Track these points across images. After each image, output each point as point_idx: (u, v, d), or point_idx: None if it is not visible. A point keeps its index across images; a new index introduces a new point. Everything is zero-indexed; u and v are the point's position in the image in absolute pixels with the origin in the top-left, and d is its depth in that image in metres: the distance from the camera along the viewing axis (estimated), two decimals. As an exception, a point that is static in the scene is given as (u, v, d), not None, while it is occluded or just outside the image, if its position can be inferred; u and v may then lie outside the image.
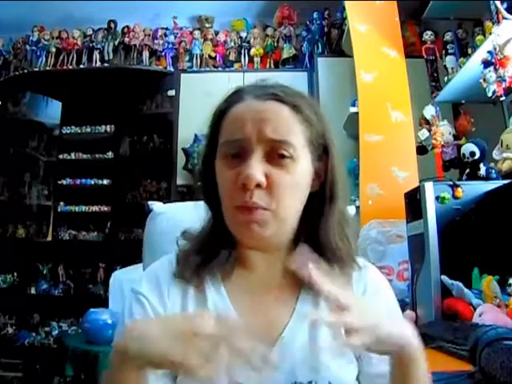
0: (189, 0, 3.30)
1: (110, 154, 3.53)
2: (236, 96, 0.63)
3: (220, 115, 0.63)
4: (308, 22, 3.42)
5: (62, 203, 3.50)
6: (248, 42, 3.49)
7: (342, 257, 0.64)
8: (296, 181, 0.59)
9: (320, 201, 0.63)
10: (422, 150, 1.98)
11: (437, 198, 1.28)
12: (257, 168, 0.56)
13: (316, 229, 0.63)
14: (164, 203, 1.02)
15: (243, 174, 0.56)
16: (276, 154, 0.58)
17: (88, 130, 3.58)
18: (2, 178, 3.64)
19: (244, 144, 0.58)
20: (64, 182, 3.51)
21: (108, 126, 3.57)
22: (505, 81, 1.55)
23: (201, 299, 0.61)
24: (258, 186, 0.56)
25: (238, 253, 0.64)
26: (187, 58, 3.52)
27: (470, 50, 1.97)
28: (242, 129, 0.58)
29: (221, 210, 0.62)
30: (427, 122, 1.98)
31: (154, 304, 0.60)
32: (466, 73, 1.90)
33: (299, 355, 0.59)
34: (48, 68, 3.50)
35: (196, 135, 3.06)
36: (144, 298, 0.61)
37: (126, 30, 3.55)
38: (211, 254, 0.63)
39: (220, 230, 0.63)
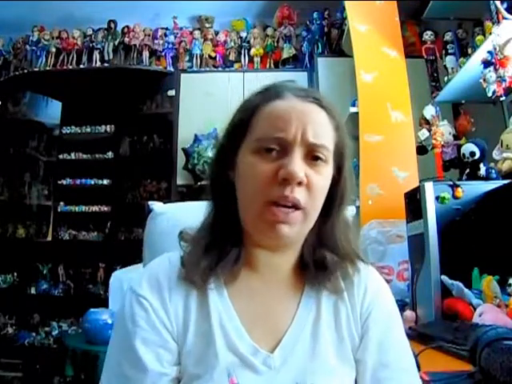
0: (189, 0, 3.30)
1: (110, 154, 3.53)
2: (274, 91, 0.63)
3: (253, 109, 0.62)
4: (308, 22, 3.42)
5: (62, 203, 3.50)
6: (248, 42, 3.49)
7: (347, 255, 0.64)
8: (325, 184, 0.61)
9: (329, 202, 0.63)
10: (422, 149, 1.98)
11: (437, 198, 1.28)
12: (300, 166, 0.57)
13: (323, 229, 0.64)
14: (164, 203, 1.02)
15: (287, 168, 0.56)
16: (312, 157, 0.59)
17: (88, 130, 3.58)
18: (1, 178, 3.64)
19: (285, 143, 0.58)
20: (64, 182, 3.51)
21: (108, 126, 3.57)
22: (505, 81, 1.55)
23: (203, 303, 0.60)
24: (299, 184, 0.57)
25: (245, 251, 0.63)
26: (187, 58, 3.52)
27: (470, 50, 1.97)
28: (286, 126, 0.58)
29: (231, 207, 0.62)
30: (427, 122, 1.99)
31: (157, 308, 0.59)
32: (466, 73, 1.90)
33: (301, 358, 0.59)
34: (48, 68, 3.49)
35: (196, 135, 3.06)
36: (146, 302, 0.59)
37: (126, 30, 3.55)
38: (220, 255, 0.61)
39: (227, 228, 0.63)
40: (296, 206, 0.57)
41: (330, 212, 0.63)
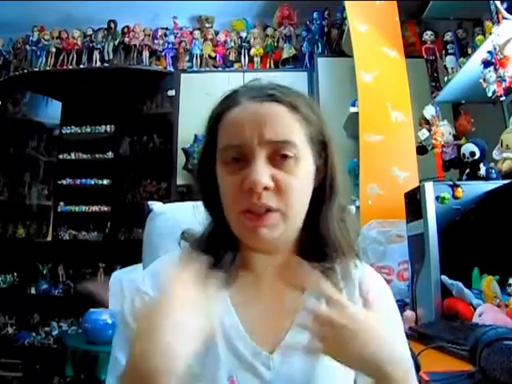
0: (189, 0, 3.30)
1: (110, 154, 3.53)
2: (231, 99, 0.62)
3: (216, 119, 0.62)
4: (308, 22, 3.42)
5: (62, 203, 3.51)
6: (248, 42, 3.49)
7: (342, 250, 0.63)
8: (301, 180, 0.59)
9: (320, 196, 0.62)
10: (422, 149, 1.98)
11: (437, 198, 1.28)
12: (262, 172, 0.55)
13: (316, 224, 0.63)
14: (164, 203, 1.02)
15: (249, 179, 0.55)
16: (279, 156, 0.57)
17: (88, 130, 3.58)
18: (2, 177, 3.64)
19: (245, 149, 0.57)
20: (64, 182, 3.51)
21: (108, 126, 3.57)
22: (505, 81, 1.55)
23: None
24: (266, 188, 0.56)
25: (242, 255, 0.63)
26: (187, 58, 3.52)
27: (470, 50, 1.97)
28: (241, 134, 0.57)
29: (222, 213, 0.61)
30: (427, 122, 1.99)
31: None
32: (466, 73, 1.90)
33: (301, 359, 0.59)
34: (48, 68, 3.49)
35: (196, 135, 3.06)
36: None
37: (126, 30, 3.55)
38: (216, 259, 0.61)
39: (222, 233, 0.62)
40: (269, 210, 0.56)
41: (321, 204, 0.62)
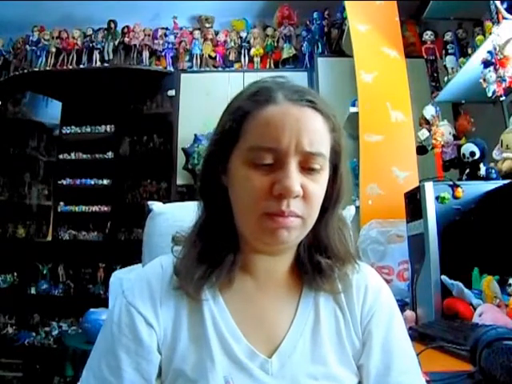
0: (189, 0, 3.30)
1: (110, 154, 3.53)
2: (263, 95, 0.58)
3: (244, 114, 0.58)
4: (308, 22, 3.41)
5: (61, 203, 3.50)
6: (248, 42, 3.49)
7: (340, 256, 0.63)
8: (323, 190, 0.59)
9: (324, 201, 0.61)
10: (422, 150, 1.98)
11: (437, 198, 1.28)
12: (296, 179, 0.55)
13: (317, 229, 0.62)
14: (164, 203, 1.02)
15: (282, 183, 0.54)
16: (308, 165, 0.57)
17: (88, 130, 3.57)
18: (2, 177, 3.64)
19: (279, 153, 0.55)
20: (64, 182, 3.51)
21: (108, 126, 3.57)
22: (505, 81, 1.55)
23: (196, 308, 0.60)
24: (296, 196, 0.55)
25: (242, 257, 0.62)
26: (187, 58, 3.51)
27: (470, 50, 1.97)
28: (278, 137, 0.55)
29: (224, 211, 0.61)
30: (427, 122, 1.99)
31: (147, 315, 0.58)
32: (466, 73, 1.90)
33: (300, 363, 0.58)
34: (48, 68, 3.49)
35: (196, 135, 3.06)
36: (135, 311, 0.59)
37: (125, 30, 3.55)
38: (215, 263, 0.60)
39: (221, 234, 0.61)
40: (294, 216, 0.56)
41: (325, 211, 0.62)
